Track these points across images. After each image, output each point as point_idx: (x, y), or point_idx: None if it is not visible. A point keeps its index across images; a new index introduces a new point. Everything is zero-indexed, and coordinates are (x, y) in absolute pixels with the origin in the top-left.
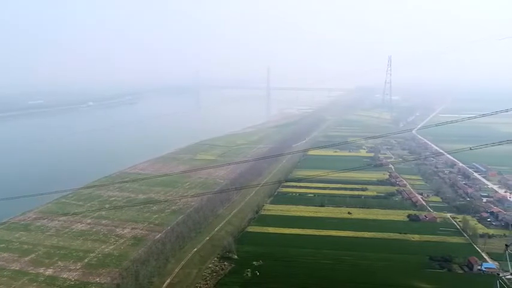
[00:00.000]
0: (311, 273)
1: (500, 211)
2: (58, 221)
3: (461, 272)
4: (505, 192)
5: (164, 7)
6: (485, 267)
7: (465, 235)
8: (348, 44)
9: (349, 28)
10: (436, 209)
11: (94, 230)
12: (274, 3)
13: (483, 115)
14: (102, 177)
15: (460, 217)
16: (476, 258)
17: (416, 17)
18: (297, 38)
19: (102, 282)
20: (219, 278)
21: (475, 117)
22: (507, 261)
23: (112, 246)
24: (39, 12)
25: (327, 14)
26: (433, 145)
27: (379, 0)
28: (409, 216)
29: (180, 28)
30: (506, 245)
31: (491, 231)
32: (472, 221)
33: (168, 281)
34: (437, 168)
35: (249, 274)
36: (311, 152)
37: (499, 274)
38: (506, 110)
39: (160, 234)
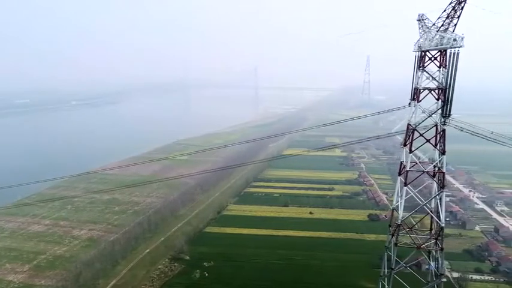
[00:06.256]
0: (260, 273)
1: (459, 210)
2: (15, 222)
3: (409, 271)
4: (469, 191)
5: (156, 11)
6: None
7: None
8: (338, 44)
9: (342, 30)
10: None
11: (50, 231)
12: (261, 8)
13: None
14: (69, 177)
15: (419, 217)
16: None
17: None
18: (285, 40)
19: (47, 284)
20: (167, 279)
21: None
22: (384, 263)
23: (65, 248)
24: (30, 14)
25: (315, 16)
26: None
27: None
28: (369, 216)
29: (171, 29)
30: (385, 246)
31: (447, 231)
32: (429, 220)
33: (113, 282)
34: None
35: (198, 275)
36: (286, 152)
37: (382, 275)
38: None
39: (116, 236)
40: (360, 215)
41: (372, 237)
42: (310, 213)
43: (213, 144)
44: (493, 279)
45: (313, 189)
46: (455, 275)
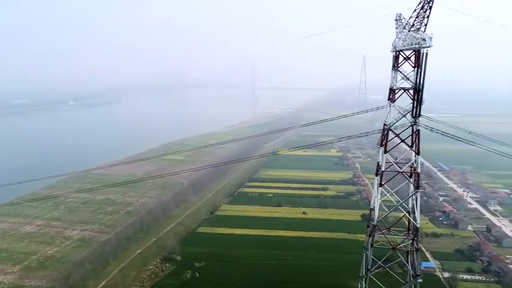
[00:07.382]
0: (251, 274)
1: (452, 210)
2: (7, 222)
3: (400, 271)
4: (463, 191)
5: (156, 11)
6: (424, 267)
7: None
8: (338, 44)
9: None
10: (391, 208)
11: (42, 231)
12: (261, 8)
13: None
14: (63, 177)
15: (412, 216)
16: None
17: None
18: (285, 40)
19: (37, 285)
20: (157, 279)
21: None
22: (363, 264)
23: (56, 248)
24: (30, 14)
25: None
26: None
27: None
28: (362, 215)
29: (171, 29)
30: (364, 246)
31: (440, 231)
32: (423, 220)
33: (102, 283)
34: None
35: (188, 276)
36: (281, 152)
37: (361, 275)
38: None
39: (108, 236)
40: (353, 215)
41: (364, 237)
42: (304, 213)
43: (207, 144)
44: (484, 279)
45: (307, 189)
46: (446, 274)
